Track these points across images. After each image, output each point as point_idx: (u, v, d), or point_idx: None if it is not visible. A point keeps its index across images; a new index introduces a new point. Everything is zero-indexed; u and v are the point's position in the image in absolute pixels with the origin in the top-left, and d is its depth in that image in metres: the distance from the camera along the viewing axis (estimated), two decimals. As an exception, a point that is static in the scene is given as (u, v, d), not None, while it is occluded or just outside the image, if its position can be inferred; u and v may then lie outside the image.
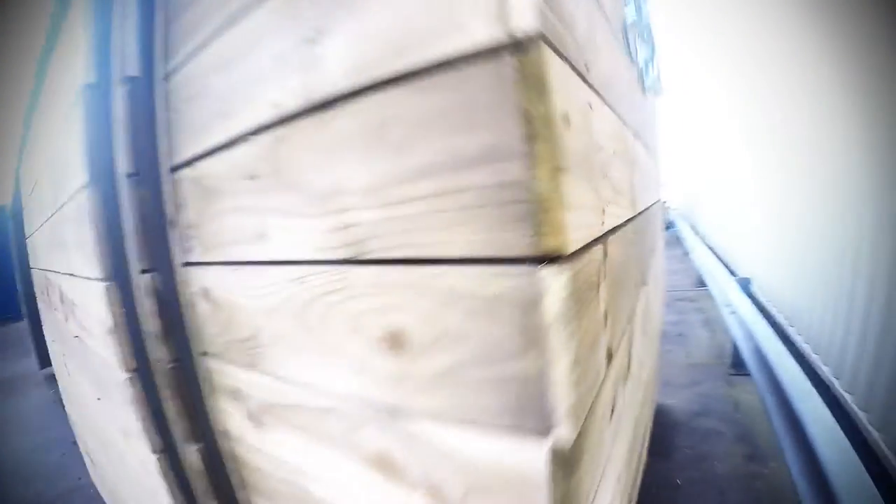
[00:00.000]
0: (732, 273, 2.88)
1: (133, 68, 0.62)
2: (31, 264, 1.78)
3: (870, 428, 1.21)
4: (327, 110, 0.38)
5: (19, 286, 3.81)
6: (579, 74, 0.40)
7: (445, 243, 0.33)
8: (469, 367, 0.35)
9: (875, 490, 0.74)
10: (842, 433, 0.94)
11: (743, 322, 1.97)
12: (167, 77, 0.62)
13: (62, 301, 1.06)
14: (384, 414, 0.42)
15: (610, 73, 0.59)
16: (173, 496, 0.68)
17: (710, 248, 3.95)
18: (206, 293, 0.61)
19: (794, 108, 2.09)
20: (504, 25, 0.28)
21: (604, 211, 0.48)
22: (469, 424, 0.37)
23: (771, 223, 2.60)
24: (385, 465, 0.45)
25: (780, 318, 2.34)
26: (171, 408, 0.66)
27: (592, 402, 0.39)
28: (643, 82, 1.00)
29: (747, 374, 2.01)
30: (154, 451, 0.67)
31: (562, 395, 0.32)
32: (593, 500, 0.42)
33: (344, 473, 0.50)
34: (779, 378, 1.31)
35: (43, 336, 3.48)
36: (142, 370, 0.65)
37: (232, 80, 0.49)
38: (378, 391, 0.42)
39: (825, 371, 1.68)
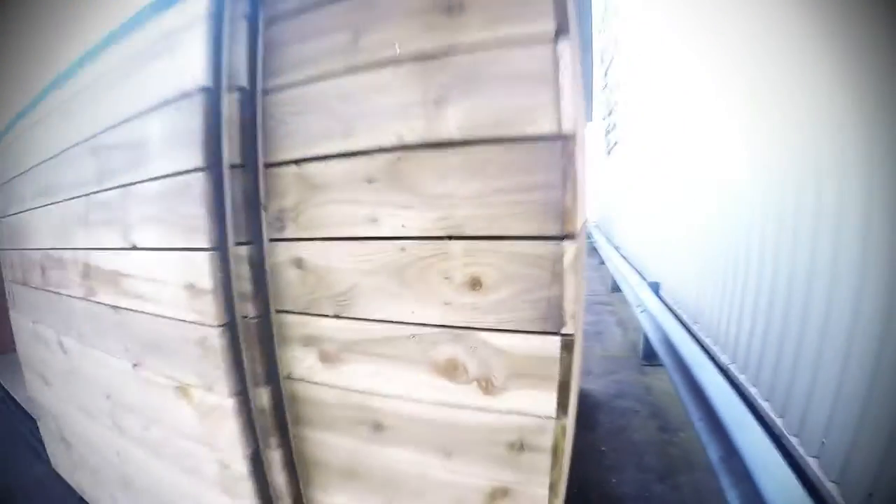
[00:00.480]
0: (644, 278, 3.33)
1: (242, 80, 0.79)
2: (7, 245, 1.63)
3: (749, 388, 1.84)
4: (443, 149, 0.64)
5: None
6: (581, 149, 0.73)
7: (513, 228, 0.63)
8: (519, 295, 0.64)
9: (756, 425, 1.18)
10: (734, 395, 1.34)
11: (653, 318, 2.37)
12: (267, 92, 0.80)
13: (87, 276, 1.07)
14: (457, 332, 0.69)
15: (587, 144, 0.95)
16: (243, 435, 0.84)
17: (624, 258, 4.50)
18: (298, 262, 0.80)
19: (697, 130, 2.75)
20: (558, 127, 0.59)
21: (584, 216, 0.82)
22: (513, 332, 0.66)
23: (678, 236, 3.33)
24: (452, 369, 0.71)
25: (685, 317, 3.03)
26: (249, 356, 0.83)
27: (579, 312, 0.71)
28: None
29: (657, 365, 2.57)
30: (230, 395, 0.83)
31: (568, 309, 0.63)
32: (577, 367, 0.73)
33: (414, 383, 0.74)
34: (683, 358, 1.73)
35: None
36: (230, 324, 0.80)
37: (356, 110, 0.72)
38: (456, 317, 0.69)
39: (722, 358, 2.30)
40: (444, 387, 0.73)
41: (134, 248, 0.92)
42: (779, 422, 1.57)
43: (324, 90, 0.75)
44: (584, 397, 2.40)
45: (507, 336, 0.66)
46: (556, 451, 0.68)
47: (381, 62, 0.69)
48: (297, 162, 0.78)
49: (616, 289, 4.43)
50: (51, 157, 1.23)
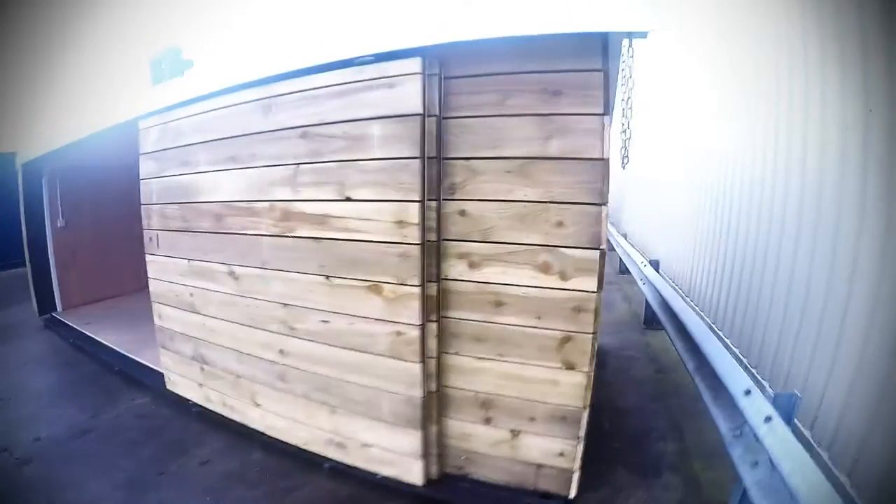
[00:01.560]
0: (645, 257, 4.09)
1: (435, 111, 1.51)
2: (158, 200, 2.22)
3: (725, 338, 2.75)
4: (548, 161, 1.39)
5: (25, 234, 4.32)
6: (610, 166, 1.51)
7: (579, 198, 1.40)
8: (581, 230, 1.41)
9: (730, 357, 1.97)
10: (717, 340, 2.13)
11: (653, 287, 3.16)
12: (447, 118, 1.52)
13: (286, 219, 1.72)
14: (549, 248, 1.45)
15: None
16: (419, 311, 1.55)
17: (630, 243, 5.63)
18: (461, 212, 1.53)
19: (698, 128, 3.67)
20: (601, 154, 1.36)
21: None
22: (577, 247, 1.43)
23: (675, 222, 4.32)
24: (545, 268, 1.47)
25: (679, 290, 4.02)
26: (427, 263, 1.55)
27: (605, 240, 1.49)
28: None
29: (655, 329, 3.54)
30: (418, 286, 1.54)
31: (602, 237, 1.40)
32: (604, 266, 1.51)
33: (524, 277, 1.49)
34: (679, 315, 2.59)
35: (46, 283, 4.38)
36: (422, 244, 1.52)
37: (500, 136, 1.45)
38: (549, 240, 1.44)
39: (707, 320, 3.26)
40: (540, 277, 1.48)
41: (348, 199, 1.60)
42: (743, 360, 2.46)
43: (481, 122, 1.48)
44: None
45: (574, 250, 1.42)
46: (596, 312, 1.45)
47: (517, 114, 1.43)
48: (465, 159, 1.51)
49: (623, 271, 5.58)
50: (242, 135, 1.87)
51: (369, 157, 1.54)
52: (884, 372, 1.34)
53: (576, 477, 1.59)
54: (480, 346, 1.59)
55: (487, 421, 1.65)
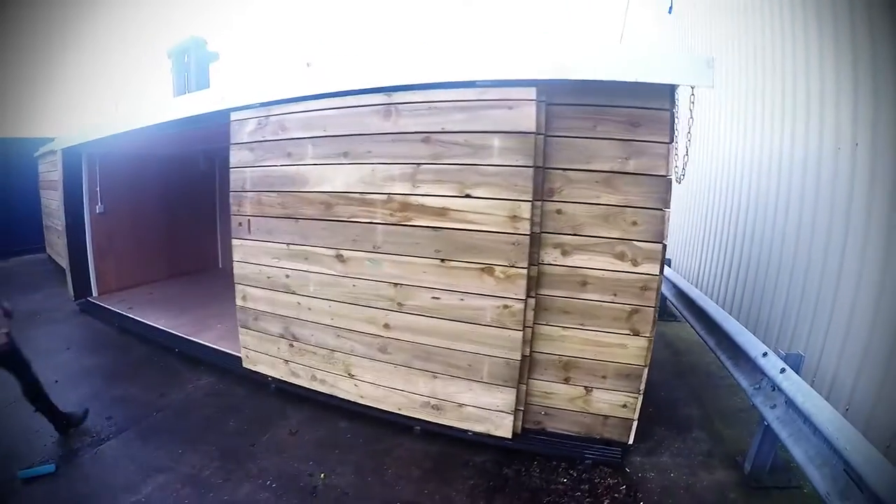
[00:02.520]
0: None
1: (542, 130, 2.01)
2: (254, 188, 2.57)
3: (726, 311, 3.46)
4: (628, 175, 1.90)
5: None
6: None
7: (650, 204, 1.94)
8: (649, 228, 1.94)
9: (748, 331, 2.63)
10: (734, 320, 2.81)
11: (668, 281, 3.82)
12: (549, 136, 2.02)
13: (404, 210, 2.13)
14: (626, 241, 1.98)
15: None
16: (525, 287, 2.04)
17: None
18: (558, 210, 2.03)
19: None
20: (667, 173, 1.93)
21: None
22: (646, 241, 1.97)
23: (683, 225, 5.10)
24: (621, 255, 1.98)
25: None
26: (531, 250, 2.05)
27: (667, 237, 2.06)
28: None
29: (666, 320, 4.17)
30: (526, 267, 2.02)
31: (665, 234, 1.95)
32: (665, 254, 2.08)
33: (605, 263, 2.01)
34: (697, 302, 3.26)
35: (83, 268, 4.75)
36: (529, 235, 2.01)
37: (590, 153, 1.96)
38: (626, 236, 1.96)
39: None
40: (616, 263, 2.01)
41: (468, 196, 2.06)
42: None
43: (577, 141, 1.99)
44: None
45: (643, 243, 1.94)
46: (657, 290, 2.01)
47: (605, 138, 1.96)
48: (563, 169, 2.02)
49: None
50: (357, 134, 2.27)
51: (489, 163, 2.02)
52: (867, 336, 1.98)
53: (634, 426, 2.13)
54: (566, 318, 2.10)
55: (567, 380, 2.16)
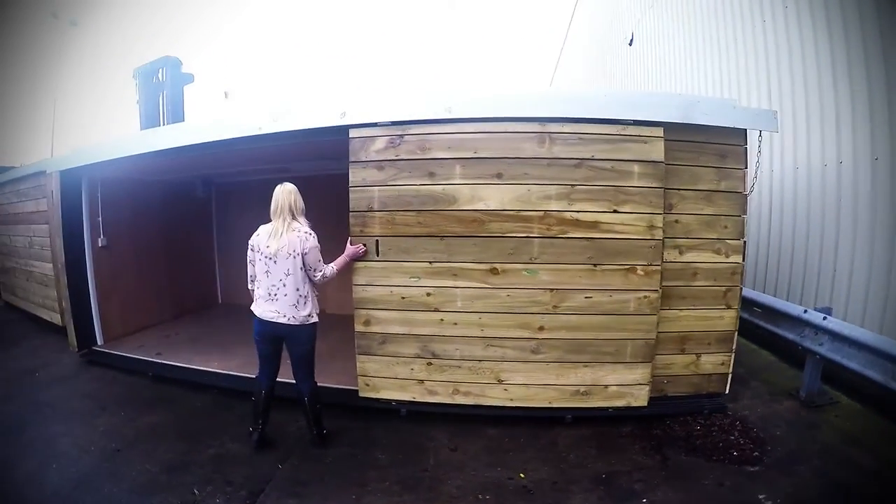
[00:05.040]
0: None
1: (664, 159, 2.69)
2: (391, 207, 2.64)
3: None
4: (723, 192, 2.78)
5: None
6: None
7: (734, 212, 2.85)
8: (736, 226, 2.86)
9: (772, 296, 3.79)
10: (767, 295, 4.06)
11: None
12: (665, 164, 2.73)
13: (560, 224, 2.55)
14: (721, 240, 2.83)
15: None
16: (659, 280, 2.67)
17: None
18: (676, 220, 2.73)
19: None
20: (744, 190, 2.86)
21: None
22: (735, 240, 2.87)
23: None
24: (718, 252, 2.82)
25: None
26: (663, 253, 2.69)
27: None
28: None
29: None
30: (657, 266, 2.65)
31: (747, 231, 2.89)
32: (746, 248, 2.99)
33: (708, 257, 2.80)
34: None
35: (86, 312, 3.94)
36: (661, 240, 2.64)
37: (697, 177, 2.75)
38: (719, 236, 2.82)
39: None
40: (715, 257, 2.79)
41: (615, 211, 2.58)
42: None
43: (686, 168, 2.75)
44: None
45: (732, 241, 2.75)
46: (742, 273, 2.89)
47: (704, 165, 2.74)
48: (678, 189, 2.74)
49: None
50: (511, 157, 2.57)
51: (631, 185, 2.59)
52: (884, 289, 3.07)
53: (729, 378, 2.98)
54: (683, 302, 2.82)
55: (682, 350, 2.88)
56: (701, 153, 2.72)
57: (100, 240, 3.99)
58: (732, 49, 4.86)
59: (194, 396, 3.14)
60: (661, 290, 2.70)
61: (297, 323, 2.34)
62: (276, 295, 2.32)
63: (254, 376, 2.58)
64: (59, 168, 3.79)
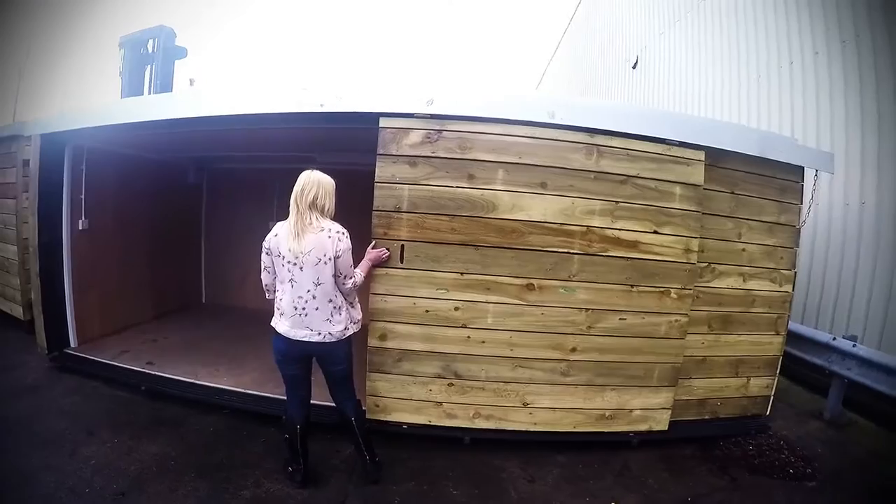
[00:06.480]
0: None
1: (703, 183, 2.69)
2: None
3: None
4: (782, 225, 2.85)
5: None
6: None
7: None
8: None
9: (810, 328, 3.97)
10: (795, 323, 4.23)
11: None
12: (704, 188, 2.73)
13: (602, 241, 2.47)
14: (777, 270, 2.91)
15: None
16: (690, 306, 2.66)
17: None
18: (744, 249, 2.75)
19: None
20: (799, 223, 2.96)
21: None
22: (788, 270, 2.95)
23: None
24: (773, 280, 2.89)
25: None
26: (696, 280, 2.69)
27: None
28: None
29: None
30: (690, 289, 2.64)
31: (795, 278, 2.99)
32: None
33: (765, 285, 2.87)
34: None
35: (59, 308, 3.34)
36: (696, 264, 2.64)
37: (760, 210, 2.79)
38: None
39: None
40: (771, 285, 2.88)
41: (655, 232, 2.52)
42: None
43: (749, 199, 2.78)
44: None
45: (785, 271, 2.88)
46: (791, 302, 2.98)
47: (766, 198, 2.79)
48: (745, 219, 2.76)
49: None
50: (558, 167, 2.43)
51: (672, 206, 2.56)
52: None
53: (771, 400, 3.06)
54: (742, 327, 2.85)
55: (736, 374, 2.91)
56: (766, 186, 2.84)
57: (81, 222, 3.33)
58: (755, 85, 5.14)
59: (202, 418, 2.68)
60: (689, 315, 2.70)
61: (333, 340, 1.98)
62: (304, 309, 1.93)
63: (272, 395, 2.20)
64: (40, 131, 3.08)
